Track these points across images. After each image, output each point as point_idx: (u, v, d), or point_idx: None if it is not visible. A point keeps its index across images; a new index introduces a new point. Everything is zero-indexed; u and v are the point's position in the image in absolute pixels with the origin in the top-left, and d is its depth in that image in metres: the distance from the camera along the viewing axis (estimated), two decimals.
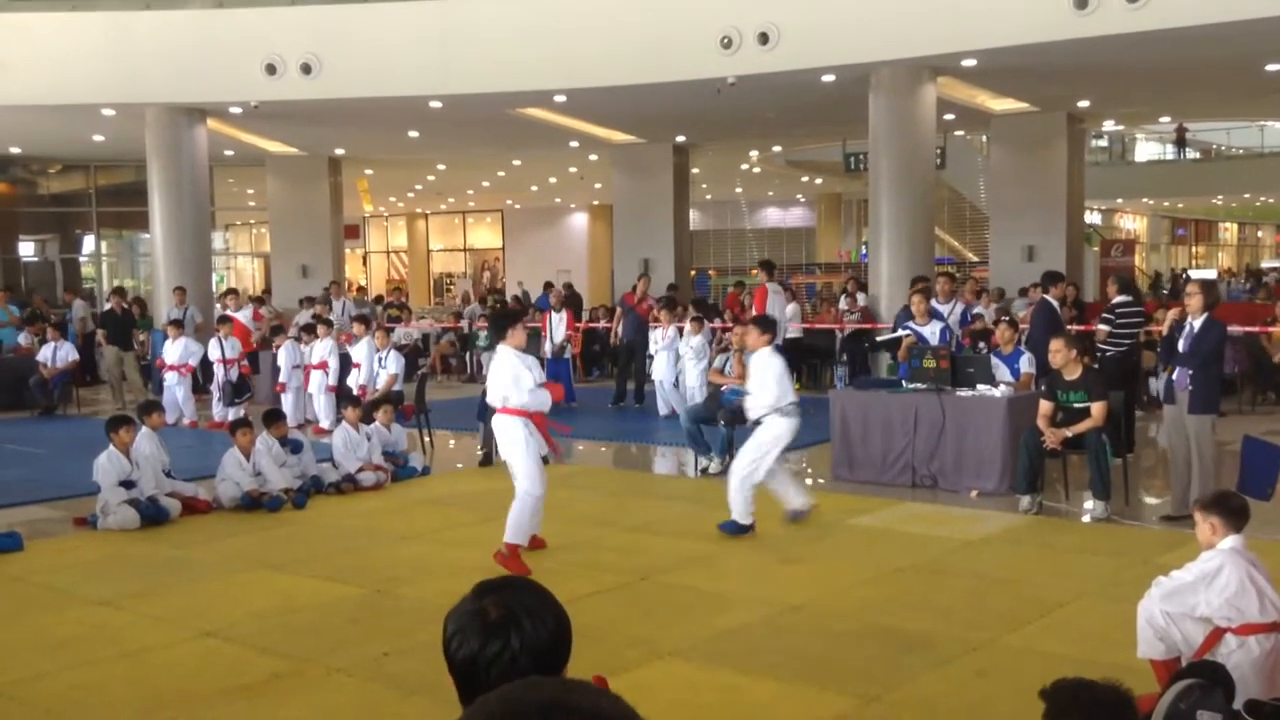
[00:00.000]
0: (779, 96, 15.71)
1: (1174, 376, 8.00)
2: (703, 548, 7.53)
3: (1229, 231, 51.04)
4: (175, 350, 14.06)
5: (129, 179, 22.26)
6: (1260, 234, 53.12)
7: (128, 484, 8.41)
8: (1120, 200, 38.05)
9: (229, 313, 14.95)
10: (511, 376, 6.96)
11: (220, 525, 8.46)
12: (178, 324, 14.44)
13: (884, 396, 9.69)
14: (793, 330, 15.69)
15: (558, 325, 14.99)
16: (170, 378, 14.03)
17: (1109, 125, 26.90)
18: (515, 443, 7.03)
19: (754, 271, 15.24)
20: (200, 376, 14.50)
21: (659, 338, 13.55)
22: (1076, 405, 8.20)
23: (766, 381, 7.80)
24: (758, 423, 7.84)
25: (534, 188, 30.58)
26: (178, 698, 5.10)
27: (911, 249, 14.48)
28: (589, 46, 14.54)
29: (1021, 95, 16.86)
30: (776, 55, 13.64)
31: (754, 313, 13.82)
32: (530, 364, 7.11)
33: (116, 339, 15.77)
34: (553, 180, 28.62)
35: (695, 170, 23.33)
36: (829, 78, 14.33)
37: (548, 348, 14.68)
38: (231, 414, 12.55)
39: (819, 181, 30.94)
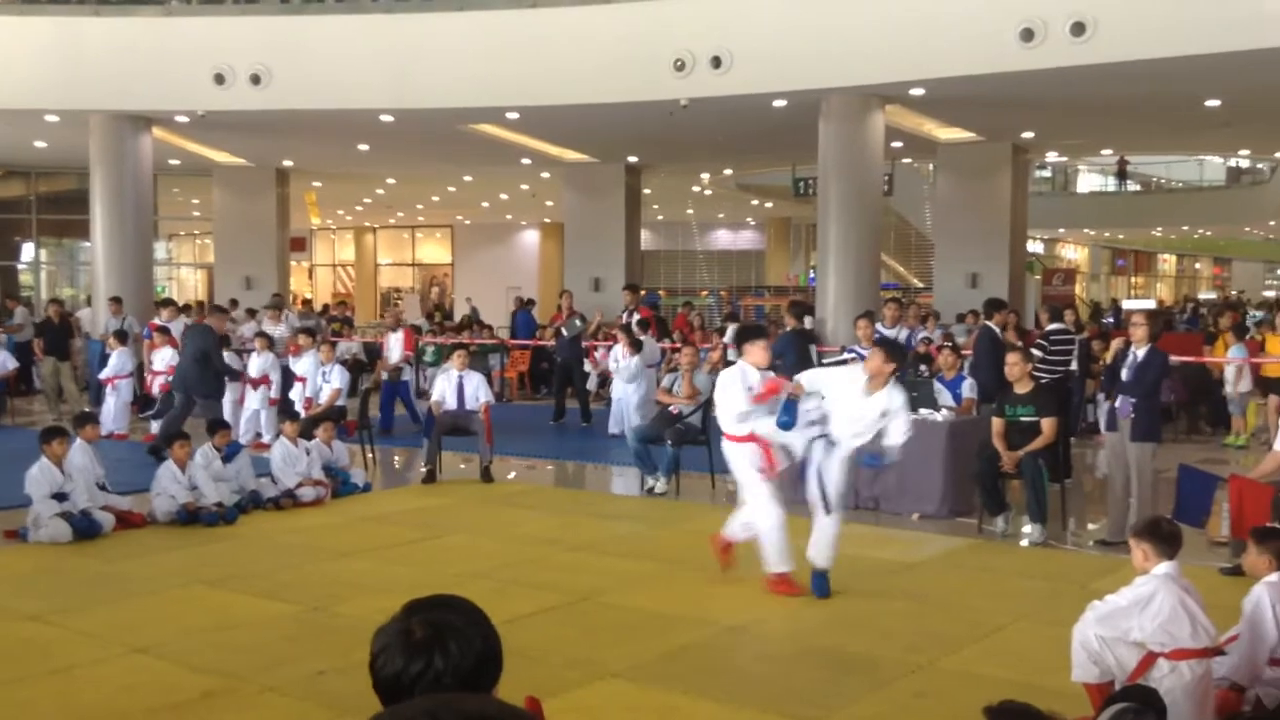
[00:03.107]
0: (730, 120, 15.82)
1: (1116, 404, 8.15)
2: (647, 568, 7.51)
3: (1168, 263, 52.17)
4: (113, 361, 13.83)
5: (71, 186, 21.88)
6: (1198, 266, 54.37)
7: (60, 496, 8.22)
8: (1062, 230, 38.77)
9: (159, 321, 14.64)
10: (728, 394, 6.69)
11: (155, 540, 8.30)
12: (120, 335, 14.18)
13: None
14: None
15: (394, 345, 14.52)
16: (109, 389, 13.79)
17: (1052, 156, 27.40)
18: (735, 464, 6.83)
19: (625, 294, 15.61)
20: (138, 388, 14.25)
21: (618, 356, 13.46)
22: (1024, 419, 8.34)
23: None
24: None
25: (485, 204, 30.50)
26: (106, 716, 4.99)
27: (858, 274, 14.62)
28: (542, 64, 14.55)
29: (968, 125, 17.12)
30: (729, 79, 13.74)
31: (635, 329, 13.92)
32: (752, 382, 6.70)
33: (53, 349, 15.46)
34: (504, 197, 28.56)
35: (647, 190, 23.39)
36: (780, 103, 14.46)
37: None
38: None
39: (769, 205, 31.18)
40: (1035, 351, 11.65)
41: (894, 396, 6.65)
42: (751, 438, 6.66)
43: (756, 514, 6.71)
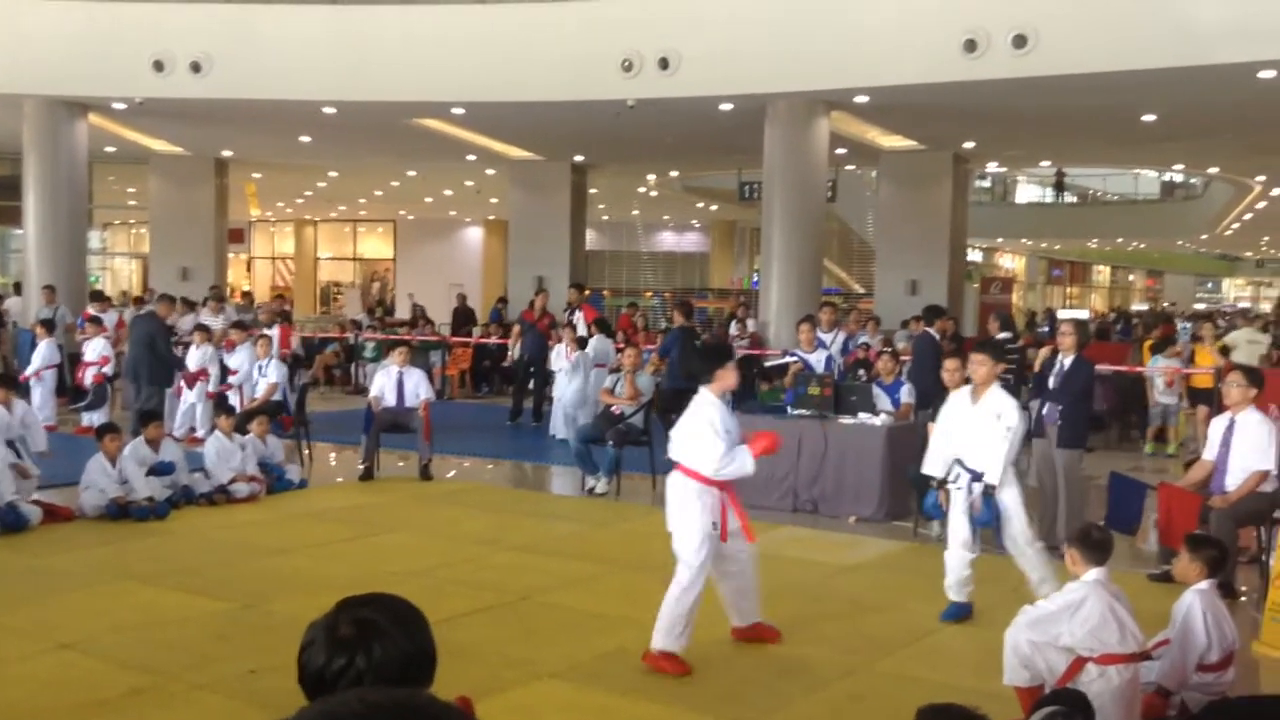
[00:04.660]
0: (677, 122, 15.85)
1: (1044, 411, 8.29)
2: (586, 568, 7.50)
3: (1102, 274, 53.20)
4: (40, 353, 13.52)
5: (3, 172, 21.34)
6: (1131, 278, 55.52)
7: None
8: (1000, 240, 39.38)
9: (92, 312, 14.34)
10: (703, 433, 5.44)
11: (83, 534, 8.13)
12: (47, 324, 13.87)
13: (769, 421, 9.78)
14: None
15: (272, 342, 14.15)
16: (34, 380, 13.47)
17: (992, 167, 27.77)
18: (685, 508, 5.48)
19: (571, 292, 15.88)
20: (68, 379, 13.95)
21: (561, 354, 13.41)
22: None
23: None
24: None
25: (428, 199, 30.27)
26: (31, 713, 4.87)
27: (801, 278, 14.72)
28: (490, 61, 14.47)
29: (910, 133, 17.32)
30: (676, 81, 13.78)
31: (584, 324, 13.88)
32: (726, 420, 5.52)
33: None
34: (448, 193, 28.37)
35: (593, 190, 23.36)
36: (726, 106, 14.52)
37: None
38: (98, 419, 12.08)
39: (714, 208, 31.29)
40: None
41: (1002, 400, 6.25)
42: (719, 484, 5.51)
43: (677, 576, 5.48)
